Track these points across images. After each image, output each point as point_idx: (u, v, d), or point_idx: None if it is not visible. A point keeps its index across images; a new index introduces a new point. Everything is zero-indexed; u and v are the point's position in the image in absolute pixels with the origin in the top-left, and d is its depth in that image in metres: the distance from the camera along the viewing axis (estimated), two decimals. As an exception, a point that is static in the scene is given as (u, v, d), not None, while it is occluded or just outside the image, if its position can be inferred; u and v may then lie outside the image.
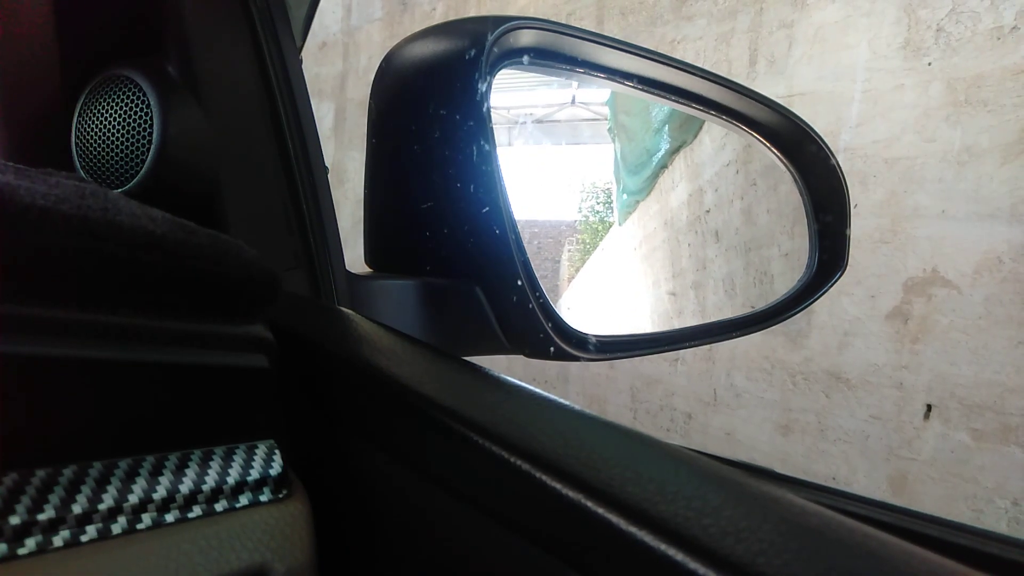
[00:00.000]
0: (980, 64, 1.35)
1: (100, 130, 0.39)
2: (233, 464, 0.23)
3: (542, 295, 0.45)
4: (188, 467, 0.21)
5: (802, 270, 0.71)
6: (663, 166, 0.83)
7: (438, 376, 0.27)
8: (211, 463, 0.22)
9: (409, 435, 0.25)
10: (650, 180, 0.85)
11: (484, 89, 0.41)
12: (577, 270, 0.88)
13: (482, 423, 0.22)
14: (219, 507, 0.22)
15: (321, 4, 0.56)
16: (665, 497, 0.18)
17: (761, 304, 0.74)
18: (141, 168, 0.37)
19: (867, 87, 1.52)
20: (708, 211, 0.82)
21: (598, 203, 0.87)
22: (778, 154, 0.70)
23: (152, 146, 0.37)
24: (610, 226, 0.87)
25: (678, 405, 1.96)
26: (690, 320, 0.84)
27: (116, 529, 0.19)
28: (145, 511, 0.20)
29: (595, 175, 0.86)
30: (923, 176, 1.44)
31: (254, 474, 0.23)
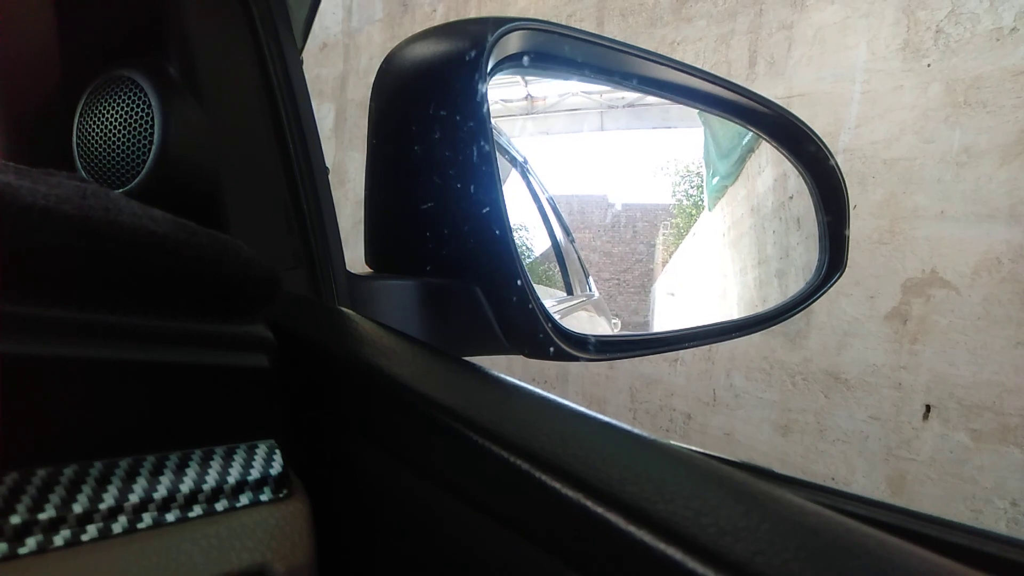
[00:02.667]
0: (979, 65, 1.36)
1: (101, 130, 0.39)
2: (233, 464, 0.23)
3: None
4: (189, 467, 0.21)
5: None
6: (751, 149, 0.82)
7: (438, 376, 0.28)
8: (211, 463, 0.22)
9: (409, 434, 0.25)
10: (738, 164, 0.85)
11: (484, 90, 0.41)
12: (671, 254, 0.88)
13: (482, 422, 0.22)
14: (219, 507, 0.22)
15: (322, 5, 0.56)
16: (664, 496, 0.18)
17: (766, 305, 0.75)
18: (142, 168, 0.37)
19: (866, 88, 1.53)
20: (791, 197, 0.81)
21: (691, 187, 0.87)
22: (786, 153, 0.70)
23: (153, 146, 0.37)
24: (702, 211, 0.87)
25: (677, 405, 1.96)
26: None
27: (117, 528, 0.19)
28: (146, 510, 0.20)
29: (688, 158, 0.86)
30: (922, 177, 1.44)
31: (254, 474, 0.23)
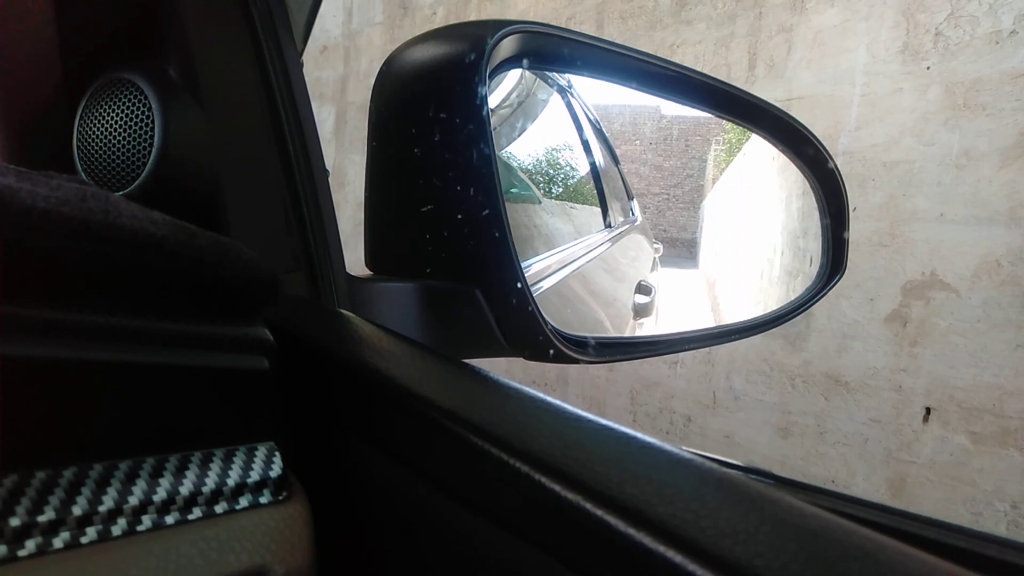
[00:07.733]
0: (978, 68, 1.36)
1: (102, 133, 0.39)
2: (233, 466, 0.23)
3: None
4: (188, 469, 0.21)
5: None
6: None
7: (437, 378, 0.28)
8: (211, 465, 0.22)
9: (408, 437, 0.25)
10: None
11: (484, 93, 0.41)
12: (721, 171, 0.85)
13: (481, 425, 0.22)
14: (219, 509, 0.22)
15: (322, 8, 0.57)
16: (663, 498, 0.18)
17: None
18: (142, 171, 0.37)
19: (866, 91, 1.53)
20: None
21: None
22: (790, 155, 0.70)
23: (153, 149, 0.37)
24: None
25: (677, 408, 1.96)
26: (812, 243, 0.83)
27: (116, 531, 0.19)
28: (145, 513, 0.20)
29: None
30: (921, 180, 1.44)
31: (254, 476, 0.23)
